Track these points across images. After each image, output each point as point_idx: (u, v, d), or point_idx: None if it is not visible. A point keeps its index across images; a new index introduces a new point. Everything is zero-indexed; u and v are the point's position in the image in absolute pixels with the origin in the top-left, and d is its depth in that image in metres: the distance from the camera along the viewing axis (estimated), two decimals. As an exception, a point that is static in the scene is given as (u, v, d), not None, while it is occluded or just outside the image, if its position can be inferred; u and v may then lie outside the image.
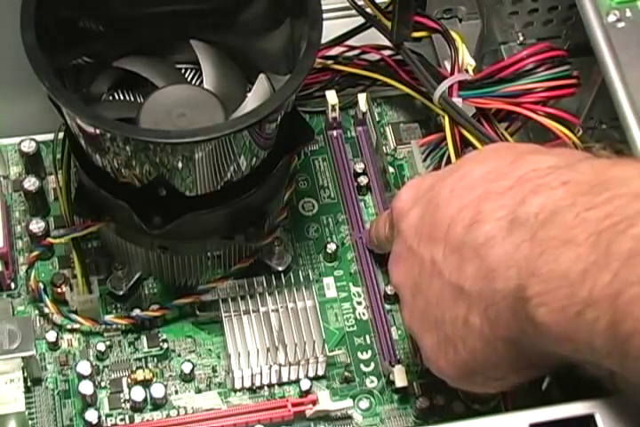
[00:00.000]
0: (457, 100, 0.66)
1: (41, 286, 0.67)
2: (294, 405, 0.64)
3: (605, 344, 0.42)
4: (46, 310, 0.67)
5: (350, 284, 0.70)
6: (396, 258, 0.56)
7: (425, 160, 0.71)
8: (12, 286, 0.69)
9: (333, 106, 0.73)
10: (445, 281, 0.51)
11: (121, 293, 0.68)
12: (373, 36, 0.71)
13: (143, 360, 0.67)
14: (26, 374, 0.63)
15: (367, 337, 0.68)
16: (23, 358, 0.62)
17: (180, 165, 0.57)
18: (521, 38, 0.73)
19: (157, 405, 0.65)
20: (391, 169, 0.73)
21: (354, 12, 0.71)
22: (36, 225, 0.68)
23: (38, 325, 0.68)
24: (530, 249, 0.45)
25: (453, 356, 0.52)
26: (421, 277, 0.53)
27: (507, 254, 0.46)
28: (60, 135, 0.67)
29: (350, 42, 0.73)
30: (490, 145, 0.60)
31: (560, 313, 0.43)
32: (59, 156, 0.68)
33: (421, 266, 0.53)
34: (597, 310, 0.41)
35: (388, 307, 0.69)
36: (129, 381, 0.66)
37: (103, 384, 0.66)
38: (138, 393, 0.64)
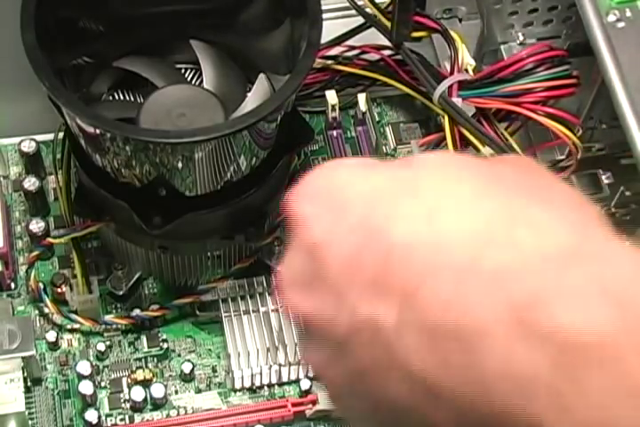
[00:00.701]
0: (457, 100, 0.66)
1: (41, 285, 0.67)
2: (294, 405, 0.64)
3: None
4: (46, 310, 0.67)
5: (350, 284, 0.70)
6: (301, 282, 0.37)
7: (425, 160, 0.71)
8: (12, 285, 0.69)
9: (333, 106, 0.73)
10: (398, 363, 0.34)
11: (121, 293, 0.68)
12: (373, 36, 0.71)
13: (143, 360, 0.67)
14: (26, 374, 0.63)
15: (367, 337, 0.68)
16: (23, 358, 0.62)
17: (179, 165, 0.57)
18: (521, 38, 0.72)
19: (157, 405, 0.65)
20: (391, 169, 0.73)
21: (354, 12, 0.70)
22: (36, 225, 0.68)
23: (38, 325, 0.68)
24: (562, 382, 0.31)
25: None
26: (349, 335, 0.35)
27: (520, 370, 0.31)
28: (60, 135, 0.67)
29: (350, 42, 0.73)
30: (444, 155, 0.38)
31: None
32: (59, 156, 0.68)
33: (351, 318, 0.35)
34: None
35: (388, 307, 0.68)
36: (129, 381, 0.66)
37: (103, 384, 0.66)
38: (138, 393, 0.64)
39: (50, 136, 0.71)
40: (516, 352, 0.31)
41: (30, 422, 0.64)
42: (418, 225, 0.34)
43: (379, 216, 0.35)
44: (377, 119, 0.75)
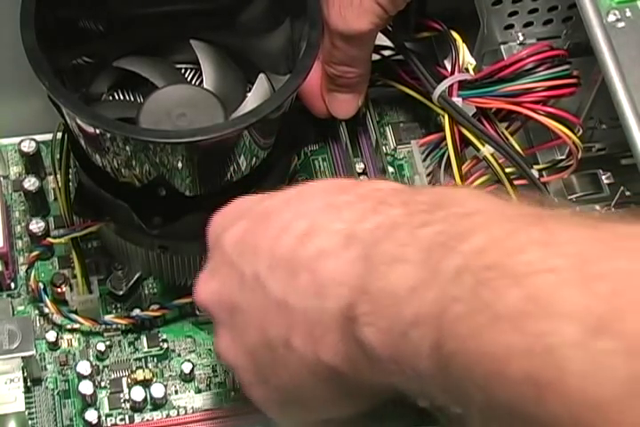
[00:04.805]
0: (457, 100, 0.66)
1: (41, 285, 0.67)
2: (294, 405, 0.64)
3: (429, 367, 0.38)
4: (46, 310, 0.67)
5: (350, 284, 0.70)
6: (210, 275, 0.51)
7: (425, 160, 0.71)
8: (12, 285, 0.69)
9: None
10: (270, 296, 0.46)
11: (121, 293, 0.68)
12: (373, 36, 0.71)
13: (143, 360, 0.67)
14: (26, 374, 0.63)
15: (367, 337, 0.68)
16: (23, 358, 0.62)
17: (179, 165, 0.57)
18: (521, 38, 0.73)
19: (157, 405, 0.65)
20: (391, 169, 0.73)
21: (354, 12, 0.70)
22: (36, 225, 0.68)
23: (38, 325, 0.68)
24: (363, 266, 0.42)
25: (274, 383, 0.48)
26: (242, 294, 0.48)
27: (339, 271, 0.43)
28: (60, 135, 0.67)
29: (350, 42, 0.73)
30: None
31: (386, 333, 0.40)
32: (58, 156, 0.68)
33: (241, 281, 0.48)
34: (422, 329, 0.38)
35: (388, 307, 0.68)
36: (129, 381, 0.66)
37: (103, 384, 0.66)
38: (138, 393, 0.64)
39: (50, 136, 0.71)
40: (342, 258, 0.43)
41: (30, 422, 0.64)
42: (291, 196, 0.49)
43: (261, 208, 0.50)
44: (377, 119, 0.75)
